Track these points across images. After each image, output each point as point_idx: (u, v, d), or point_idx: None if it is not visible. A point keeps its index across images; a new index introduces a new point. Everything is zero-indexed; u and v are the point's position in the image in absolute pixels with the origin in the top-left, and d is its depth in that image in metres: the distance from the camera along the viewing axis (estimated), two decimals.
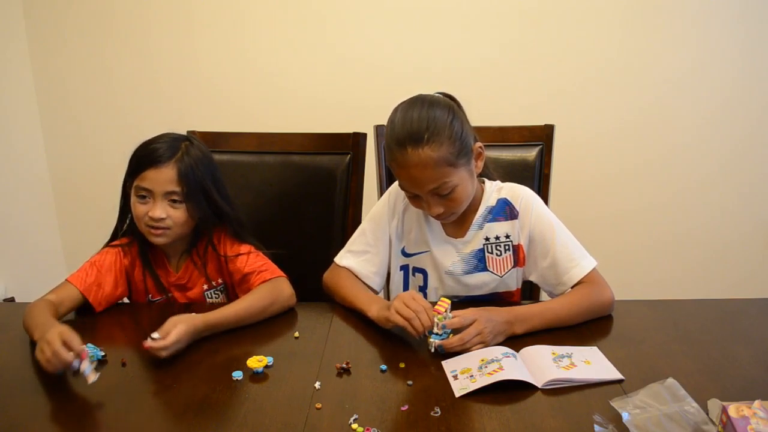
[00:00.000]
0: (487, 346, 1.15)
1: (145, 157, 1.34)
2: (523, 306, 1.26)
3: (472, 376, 1.05)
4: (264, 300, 1.31)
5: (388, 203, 1.45)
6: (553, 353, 1.12)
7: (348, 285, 1.39)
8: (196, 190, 1.36)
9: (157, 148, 1.34)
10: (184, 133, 1.52)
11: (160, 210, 1.33)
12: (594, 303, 1.29)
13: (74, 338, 1.06)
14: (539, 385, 1.03)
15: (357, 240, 1.46)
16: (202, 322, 1.20)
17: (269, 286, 1.36)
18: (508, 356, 1.10)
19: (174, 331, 1.13)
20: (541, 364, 1.09)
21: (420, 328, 1.15)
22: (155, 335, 1.12)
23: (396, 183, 1.43)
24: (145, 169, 1.33)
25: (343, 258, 1.45)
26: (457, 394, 1.01)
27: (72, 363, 1.05)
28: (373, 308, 1.28)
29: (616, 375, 1.06)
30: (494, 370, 1.05)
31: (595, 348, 1.15)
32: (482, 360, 1.09)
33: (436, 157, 1.23)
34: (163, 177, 1.32)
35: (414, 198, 1.32)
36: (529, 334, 1.21)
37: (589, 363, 1.10)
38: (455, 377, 1.06)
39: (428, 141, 1.23)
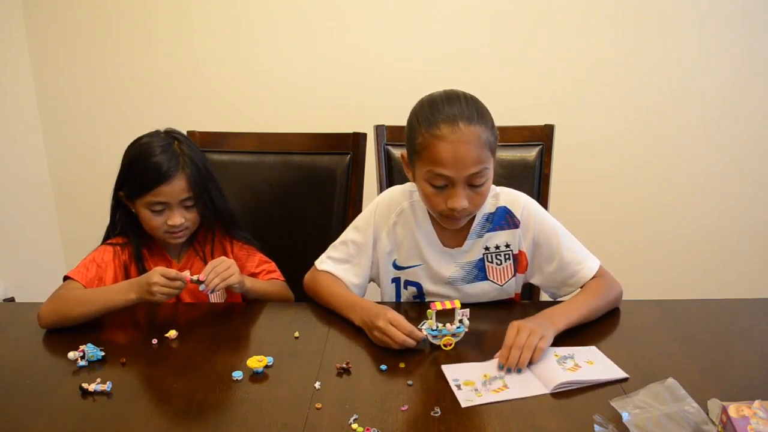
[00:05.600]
0: (545, 342, 1.11)
1: (151, 174, 1.36)
2: (553, 306, 1.25)
3: (476, 390, 1.03)
4: (281, 292, 1.51)
5: (376, 214, 1.40)
6: (556, 355, 1.12)
7: (329, 288, 1.36)
8: (203, 189, 1.42)
9: (160, 163, 1.36)
10: (185, 132, 1.52)
11: (179, 217, 1.40)
12: (613, 296, 1.32)
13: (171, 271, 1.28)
14: (549, 390, 1.02)
15: (339, 248, 1.42)
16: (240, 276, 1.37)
17: (282, 285, 1.54)
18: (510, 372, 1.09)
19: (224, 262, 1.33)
20: (547, 368, 1.08)
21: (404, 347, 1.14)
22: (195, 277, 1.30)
23: (384, 194, 1.40)
24: (156, 186, 1.36)
25: (323, 263, 1.42)
26: (463, 405, 0.99)
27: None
28: (356, 318, 1.25)
29: (620, 374, 1.06)
30: (499, 388, 1.04)
31: (593, 348, 1.15)
32: (485, 375, 1.07)
33: (484, 138, 1.22)
34: (177, 188, 1.38)
35: (438, 190, 1.24)
36: None
37: (592, 363, 1.10)
38: (458, 387, 1.04)
39: (479, 120, 1.23)
